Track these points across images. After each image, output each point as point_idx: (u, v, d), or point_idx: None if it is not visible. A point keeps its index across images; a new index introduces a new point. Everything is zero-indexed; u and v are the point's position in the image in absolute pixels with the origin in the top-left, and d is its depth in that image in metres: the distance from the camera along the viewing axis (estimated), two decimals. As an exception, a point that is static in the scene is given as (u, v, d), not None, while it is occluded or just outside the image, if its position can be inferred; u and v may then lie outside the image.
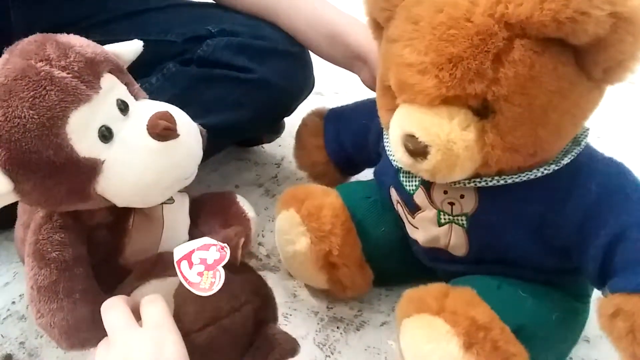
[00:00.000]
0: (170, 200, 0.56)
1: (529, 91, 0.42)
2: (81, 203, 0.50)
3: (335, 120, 0.72)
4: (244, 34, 0.72)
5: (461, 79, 0.42)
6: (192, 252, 0.45)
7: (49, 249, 0.51)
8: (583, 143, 0.49)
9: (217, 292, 0.42)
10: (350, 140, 0.70)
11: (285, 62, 0.73)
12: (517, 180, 0.48)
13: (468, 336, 0.45)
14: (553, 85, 0.42)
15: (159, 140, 0.48)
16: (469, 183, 0.49)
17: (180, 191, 0.59)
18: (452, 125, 0.44)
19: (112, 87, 0.49)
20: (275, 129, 0.89)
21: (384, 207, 0.63)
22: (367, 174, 0.75)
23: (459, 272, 0.55)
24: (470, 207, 0.51)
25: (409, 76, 0.45)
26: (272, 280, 0.69)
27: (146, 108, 0.50)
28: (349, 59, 0.69)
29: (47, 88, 0.44)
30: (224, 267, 0.43)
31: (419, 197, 0.54)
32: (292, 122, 0.84)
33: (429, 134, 0.45)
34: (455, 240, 0.53)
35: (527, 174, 0.48)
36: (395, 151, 0.49)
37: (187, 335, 0.42)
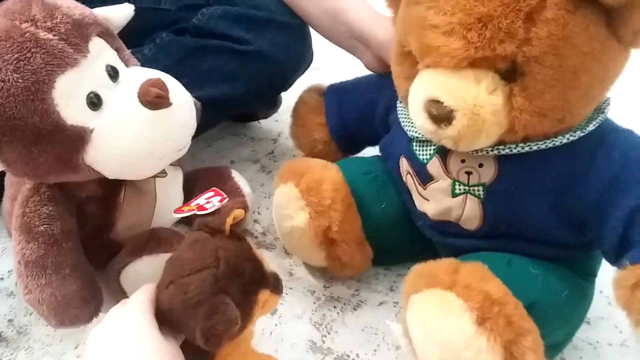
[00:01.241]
0: (163, 173, 0.55)
1: (561, 52, 0.41)
2: (69, 174, 0.48)
3: (337, 96, 0.70)
4: (241, 4, 0.70)
5: (491, 40, 0.41)
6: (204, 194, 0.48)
7: (37, 222, 0.49)
8: (606, 111, 0.48)
9: (188, 251, 0.42)
10: (354, 115, 0.68)
11: (283, 34, 0.71)
12: (542, 146, 0.46)
13: (481, 311, 0.44)
14: (585, 46, 0.41)
15: (150, 109, 0.46)
16: (491, 150, 0.47)
17: (173, 165, 0.58)
18: (479, 89, 0.43)
19: (101, 52, 0.47)
20: (271, 104, 0.87)
21: (384, 184, 0.61)
22: (366, 153, 0.73)
23: (467, 248, 0.54)
24: (489, 176, 0.49)
25: (433, 38, 0.43)
26: (267, 258, 0.65)
27: (137, 75, 0.49)
28: (351, 40, 0.67)
29: (32, 50, 0.43)
30: (208, 229, 0.43)
31: (433, 166, 0.52)
32: (289, 98, 0.83)
33: (454, 98, 0.43)
34: (469, 212, 0.51)
35: (552, 140, 0.46)
36: (416, 118, 0.47)
37: (158, 295, 0.41)
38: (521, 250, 0.51)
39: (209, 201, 0.46)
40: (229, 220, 0.42)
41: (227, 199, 0.46)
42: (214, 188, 0.48)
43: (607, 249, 0.46)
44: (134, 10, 0.54)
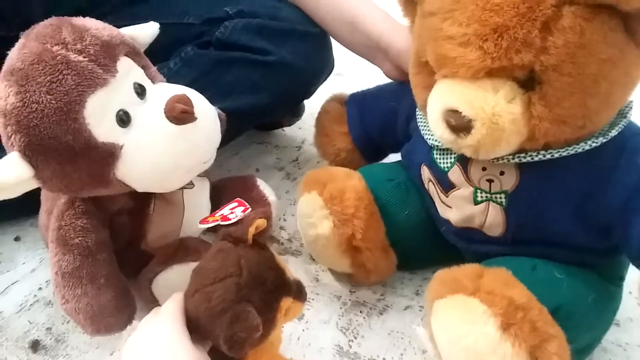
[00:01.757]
0: (190, 184, 0.56)
1: (579, 60, 0.41)
2: (102, 189, 0.50)
3: (358, 105, 0.70)
4: (262, 15, 0.71)
5: (507, 50, 0.41)
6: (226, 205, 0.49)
7: (72, 235, 0.51)
8: (629, 115, 0.47)
9: (212, 260, 0.43)
10: (375, 123, 0.68)
11: (305, 44, 0.71)
12: (563, 154, 0.46)
13: (506, 317, 0.43)
14: (603, 53, 0.41)
15: (176, 124, 0.47)
16: (512, 159, 0.47)
17: (200, 175, 0.59)
18: (497, 98, 0.43)
19: (128, 71, 0.49)
20: (295, 112, 0.88)
21: (407, 190, 0.61)
22: (389, 158, 0.74)
23: (492, 254, 0.53)
24: (511, 184, 0.49)
25: (449, 49, 0.43)
26: (293, 264, 0.68)
27: (163, 91, 0.50)
28: (370, 48, 0.68)
29: (64, 72, 0.44)
30: (230, 239, 0.44)
31: (455, 174, 0.52)
32: (313, 105, 0.83)
33: (472, 108, 0.43)
34: (492, 219, 0.51)
35: (574, 147, 0.46)
36: (435, 128, 0.47)
37: (185, 302, 0.43)
38: (546, 255, 0.50)
39: (233, 211, 0.47)
40: (252, 230, 0.43)
41: (250, 209, 0.47)
42: (238, 199, 0.49)
43: (633, 255, 0.46)
44: (161, 27, 0.55)
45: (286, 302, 0.43)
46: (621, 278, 0.53)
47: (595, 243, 0.50)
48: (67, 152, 0.45)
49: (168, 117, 0.47)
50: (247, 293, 0.41)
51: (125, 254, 0.56)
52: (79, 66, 0.45)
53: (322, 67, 0.75)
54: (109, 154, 0.47)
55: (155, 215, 0.56)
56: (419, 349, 0.58)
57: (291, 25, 0.71)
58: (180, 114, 0.47)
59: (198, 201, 0.60)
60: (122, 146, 0.47)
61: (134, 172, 0.48)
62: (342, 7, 0.68)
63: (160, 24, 0.55)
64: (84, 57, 0.45)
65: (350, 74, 1.03)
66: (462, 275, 0.48)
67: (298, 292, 0.45)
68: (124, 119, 0.47)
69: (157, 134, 0.48)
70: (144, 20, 0.55)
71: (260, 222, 0.44)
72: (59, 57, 0.45)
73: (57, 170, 0.46)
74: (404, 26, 0.57)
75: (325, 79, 0.77)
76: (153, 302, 0.55)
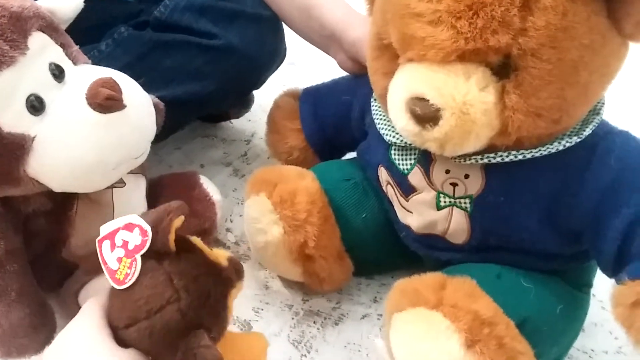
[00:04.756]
0: (121, 183, 0.51)
1: (560, 44, 0.38)
2: (9, 188, 0.44)
3: (312, 100, 0.66)
4: (208, -6, 0.65)
5: (483, 30, 0.38)
6: (116, 230, 0.37)
7: (-24, 243, 0.45)
8: (602, 112, 0.45)
9: (138, 286, 0.36)
10: (329, 119, 0.64)
11: (254, 27, 0.67)
12: (536, 154, 0.43)
13: (470, 332, 0.41)
14: (586, 38, 0.38)
15: (100, 112, 0.42)
16: (481, 159, 0.44)
17: (134, 172, 0.54)
18: (469, 85, 0.39)
19: (43, 48, 0.43)
20: (243, 103, 0.83)
21: (365, 191, 0.58)
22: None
23: (455, 261, 0.51)
24: (476, 188, 0.46)
25: (417, 28, 0.39)
26: (241, 270, 0.63)
27: (86, 74, 0.44)
28: (324, 37, 0.65)
29: (-40, 48, 0.38)
30: (151, 254, 0.37)
31: (415, 177, 0.49)
32: (263, 96, 0.79)
33: (441, 95, 0.40)
34: (456, 225, 0.48)
35: (547, 148, 0.43)
36: (397, 119, 0.43)
37: (115, 331, 0.37)
38: (512, 262, 0.48)
39: (124, 243, 0.37)
40: (172, 237, 0.37)
41: (148, 230, 0.37)
42: (128, 217, 0.38)
43: (604, 261, 0.44)
44: (90, 2, 0.49)
45: (232, 295, 0.39)
46: (588, 285, 0.52)
47: (564, 249, 0.47)
48: (-38, 144, 0.39)
49: (90, 104, 0.42)
50: (194, 316, 0.36)
51: (43, 263, 0.50)
52: (-21, 41, 0.38)
53: (273, 53, 0.70)
54: (17, 146, 0.41)
55: (78, 218, 0.50)
56: (378, 362, 0.54)
57: (240, 7, 0.66)
58: (105, 101, 0.41)
59: (131, 201, 0.54)
60: (33, 138, 0.42)
61: (48, 169, 0.43)
62: None
63: None
64: (-13, 31, 0.39)
65: (304, 64, 1.00)
66: (424, 286, 0.45)
67: (238, 275, 0.40)
68: (36, 105, 0.42)
69: (77, 124, 0.42)
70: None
71: (178, 222, 0.37)
72: (-45, 29, 0.38)
73: (-50, 166, 0.40)
74: (362, 16, 0.53)
75: (277, 67, 0.73)
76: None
